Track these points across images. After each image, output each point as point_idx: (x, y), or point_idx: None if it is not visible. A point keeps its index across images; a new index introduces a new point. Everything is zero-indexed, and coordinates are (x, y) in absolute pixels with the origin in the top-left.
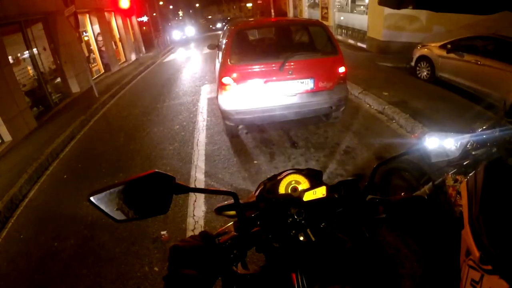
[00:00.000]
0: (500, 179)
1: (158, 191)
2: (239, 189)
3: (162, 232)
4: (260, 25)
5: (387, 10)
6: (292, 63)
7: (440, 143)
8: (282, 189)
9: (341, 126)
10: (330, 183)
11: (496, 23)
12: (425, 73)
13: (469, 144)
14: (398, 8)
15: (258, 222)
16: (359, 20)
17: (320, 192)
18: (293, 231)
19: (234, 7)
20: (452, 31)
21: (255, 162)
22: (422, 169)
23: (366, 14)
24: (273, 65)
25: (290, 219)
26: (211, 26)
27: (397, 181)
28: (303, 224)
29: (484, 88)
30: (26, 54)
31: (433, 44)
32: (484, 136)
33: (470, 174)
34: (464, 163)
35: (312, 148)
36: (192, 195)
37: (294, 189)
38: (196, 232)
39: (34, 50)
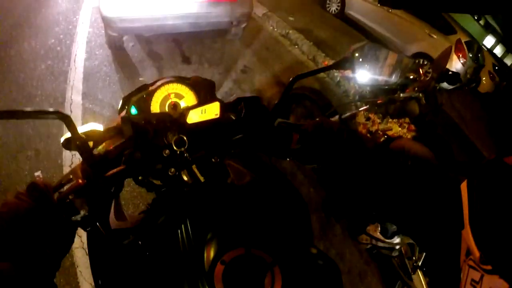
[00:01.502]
0: (500, 179)
1: None
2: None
3: (36, 174)
4: None
5: None
6: None
7: (372, 56)
8: (156, 106)
9: (240, 44)
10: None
11: None
12: (335, 8)
13: (385, 82)
14: (395, 7)
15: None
16: None
17: (212, 111)
18: (172, 169)
19: None
20: None
21: (140, 79)
22: (327, 100)
23: None
24: None
25: (167, 151)
26: None
27: (298, 109)
28: (186, 159)
29: (389, 34)
30: None
31: None
32: (405, 79)
33: (471, 174)
34: (378, 102)
35: (206, 63)
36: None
37: (174, 105)
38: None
39: None
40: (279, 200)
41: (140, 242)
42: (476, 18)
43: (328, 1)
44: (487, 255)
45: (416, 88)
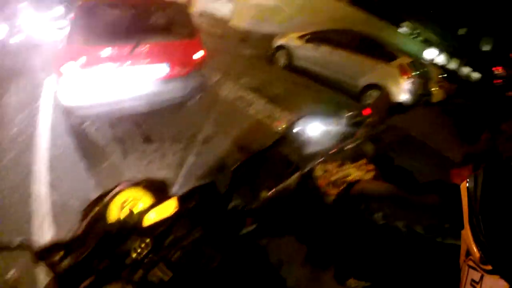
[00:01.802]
0: (500, 179)
1: None
2: (91, 199)
3: None
4: (112, 2)
5: (253, 0)
6: (145, 46)
7: (309, 128)
8: (114, 214)
9: (198, 115)
10: (185, 185)
11: (346, 20)
12: (283, 61)
13: (336, 133)
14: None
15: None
16: (224, 8)
17: (169, 207)
18: (142, 271)
19: None
20: (311, 24)
21: (104, 165)
22: (287, 158)
23: (231, 2)
24: (124, 48)
25: (133, 255)
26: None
27: (264, 173)
28: (152, 259)
29: (337, 75)
30: None
31: (292, 35)
32: (352, 126)
33: (471, 174)
34: (330, 152)
35: (168, 141)
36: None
37: (130, 212)
38: None
39: None
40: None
41: None
42: (413, 36)
43: (275, 57)
44: (487, 255)
45: (364, 133)
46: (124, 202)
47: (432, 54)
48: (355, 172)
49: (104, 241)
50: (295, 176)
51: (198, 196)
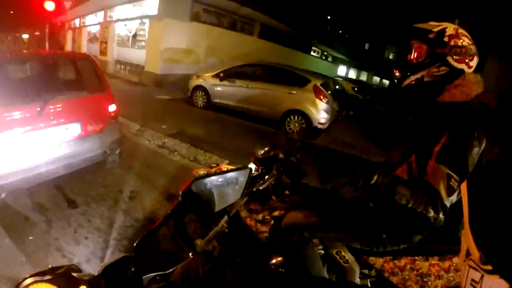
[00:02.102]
0: (501, 178)
1: None
2: (18, 279)
3: None
4: (12, 59)
5: (164, 45)
6: (53, 106)
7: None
8: None
9: (121, 169)
10: (120, 242)
11: (259, 53)
12: (201, 101)
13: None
14: None
15: None
16: (139, 55)
17: None
18: None
19: (9, 37)
20: (224, 61)
21: (30, 238)
22: (209, 209)
23: (144, 48)
24: (30, 110)
25: None
26: None
27: (189, 228)
28: None
29: (255, 107)
30: None
31: (207, 74)
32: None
33: (471, 174)
34: (247, 191)
35: (93, 203)
36: None
37: None
38: None
39: None
40: None
41: None
42: (323, 57)
43: (194, 98)
44: (487, 255)
45: (274, 172)
46: None
47: (343, 71)
48: (280, 205)
49: None
50: (224, 219)
51: (106, 279)
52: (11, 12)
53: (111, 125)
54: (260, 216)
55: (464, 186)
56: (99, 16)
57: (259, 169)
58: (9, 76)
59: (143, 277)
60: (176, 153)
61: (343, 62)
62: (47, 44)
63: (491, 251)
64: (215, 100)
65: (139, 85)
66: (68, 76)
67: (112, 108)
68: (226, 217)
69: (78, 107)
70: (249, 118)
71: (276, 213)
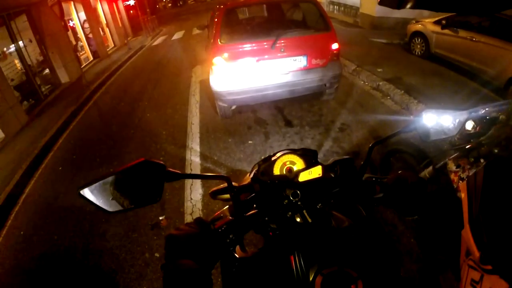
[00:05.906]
0: (501, 178)
1: (150, 179)
2: (235, 169)
3: (161, 218)
4: (249, 3)
5: None
6: (283, 41)
7: (437, 120)
8: (277, 170)
9: (335, 103)
10: (326, 161)
11: None
12: (419, 49)
13: (469, 124)
14: (398, 8)
15: (254, 205)
16: None
17: (316, 172)
18: (290, 213)
19: None
20: None
21: (250, 142)
22: (423, 151)
23: None
24: (265, 43)
25: (286, 201)
26: None
27: (398, 163)
28: (299, 206)
29: (478, 64)
30: (12, 47)
31: (427, 20)
32: (484, 114)
33: (470, 174)
34: (467, 147)
35: (307, 126)
36: (188, 179)
37: (289, 169)
38: (195, 216)
39: (20, 43)
40: (371, 239)
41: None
42: None
43: (412, 45)
44: (487, 255)
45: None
46: (285, 163)
47: None
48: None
49: (267, 187)
50: (429, 169)
51: (339, 167)
52: None
53: (333, 62)
54: (465, 174)
55: (464, 186)
56: None
57: (477, 128)
58: (245, 16)
59: None
60: (388, 97)
61: None
62: None
63: (491, 251)
64: (435, 50)
65: (354, 26)
66: (296, 16)
67: (334, 46)
68: (431, 168)
69: (305, 43)
70: (472, 77)
71: None
